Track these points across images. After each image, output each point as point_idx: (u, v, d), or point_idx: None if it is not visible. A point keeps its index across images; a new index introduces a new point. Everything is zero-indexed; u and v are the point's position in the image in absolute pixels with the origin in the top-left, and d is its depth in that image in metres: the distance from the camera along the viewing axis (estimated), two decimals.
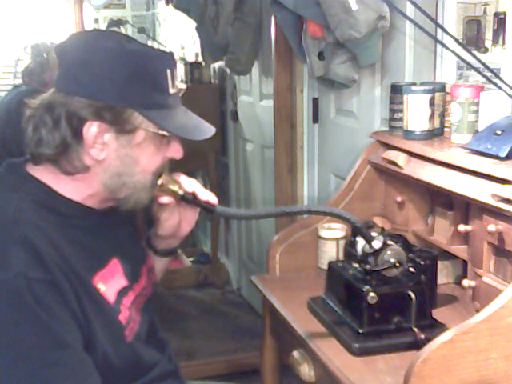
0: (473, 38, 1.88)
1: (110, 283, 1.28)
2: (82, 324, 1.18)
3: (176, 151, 1.30)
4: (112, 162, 1.23)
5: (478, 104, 1.69)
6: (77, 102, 1.19)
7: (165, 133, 1.24)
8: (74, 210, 1.26)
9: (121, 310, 1.28)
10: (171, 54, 1.29)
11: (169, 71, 1.24)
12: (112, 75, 1.19)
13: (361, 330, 1.47)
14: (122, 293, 1.31)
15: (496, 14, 1.79)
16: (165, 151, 1.28)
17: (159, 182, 1.32)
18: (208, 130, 1.31)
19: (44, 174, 1.25)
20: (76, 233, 1.25)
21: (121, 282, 1.32)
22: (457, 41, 1.81)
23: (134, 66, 1.20)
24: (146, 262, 1.46)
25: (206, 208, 1.39)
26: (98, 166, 1.23)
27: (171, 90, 1.25)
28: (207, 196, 1.39)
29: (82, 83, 1.20)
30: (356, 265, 1.56)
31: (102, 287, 1.25)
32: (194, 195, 1.38)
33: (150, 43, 4.95)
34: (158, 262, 1.53)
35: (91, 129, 1.19)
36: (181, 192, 1.36)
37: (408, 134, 1.83)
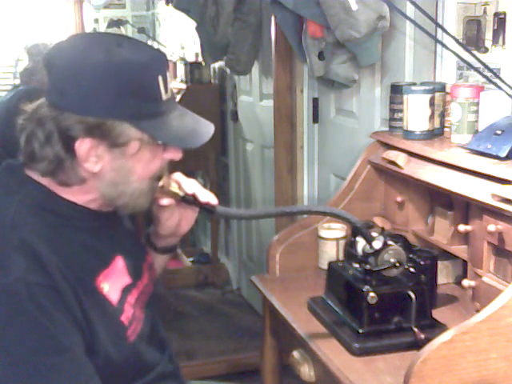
0: (473, 38, 1.88)
1: (114, 282, 1.28)
2: (83, 327, 1.18)
3: (174, 153, 1.28)
4: (107, 173, 1.22)
5: (478, 104, 1.69)
6: (67, 119, 1.17)
7: (159, 141, 1.23)
8: (74, 211, 1.25)
9: (124, 310, 1.28)
10: (162, 58, 1.25)
11: (160, 78, 1.20)
12: (100, 90, 1.16)
13: (361, 330, 1.47)
14: (126, 290, 1.30)
15: (496, 14, 1.79)
16: (162, 154, 1.27)
17: (160, 183, 1.31)
18: (206, 132, 1.28)
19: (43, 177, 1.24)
20: (77, 234, 1.24)
21: (125, 279, 1.32)
22: (457, 41, 1.81)
23: (123, 78, 1.17)
24: (146, 259, 1.46)
25: (206, 209, 1.39)
26: (93, 178, 1.22)
27: (164, 97, 1.22)
28: (207, 197, 1.38)
29: (70, 98, 1.17)
30: (356, 265, 1.56)
31: (105, 287, 1.25)
32: (194, 196, 1.37)
33: (149, 43, 4.95)
34: (158, 258, 1.52)
35: (83, 146, 1.18)
36: (181, 193, 1.36)
37: (408, 134, 1.83)
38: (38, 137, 1.20)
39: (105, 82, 1.16)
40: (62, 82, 1.19)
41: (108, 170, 1.22)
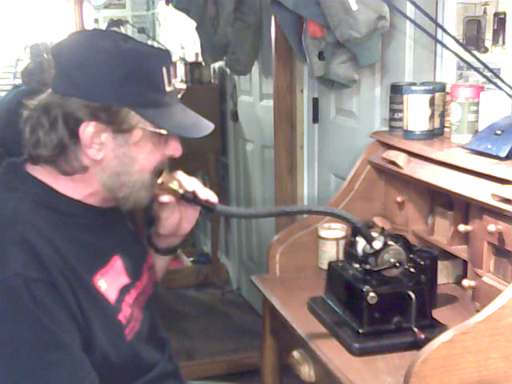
0: (473, 38, 1.88)
1: (111, 281, 1.28)
2: (80, 324, 1.18)
3: (175, 149, 1.30)
4: (110, 161, 1.23)
5: (477, 104, 1.69)
6: (73, 103, 1.19)
7: (162, 131, 1.24)
8: (75, 208, 1.26)
9: (122, 309, 1.28)
10: (167, 52, 1.29)
11: (165, 69, 1.24)
12: (108, 75, 1.19)
13: (361, 330, 1.47)
14: (124, 290, 1.31)
15: (496, 14, 1.79)
16: (163, 149, 1.28)
17: (159, 180, 1.32)
18: (206, 127, 1.31)
19: (43, 174, 1.25)
20: (77, 231, 1.25)
21: (123, 279, 1.32)
22: (457, 41, 1.81)
23: (130, 65, 1.20)
24: (146, 260, 1.46)
25: (206, 207, 1.39)
26: (96, 166, 1.23)
27: (167, 88, 1.25)
28: (207, 195, 1.39)
29: (78, 84, 1.20)
30: (356, 265, 1.56)
31: (103, 285, 1.25)
32: (194, 194, 1.38)
33: (150, 43, 4.95)
34: (159, 260, 1.53)
35: (88, 129, 1.19)
36: (181, 191, 1.36)
37: (408, 134, 1.83)
38: (43, 124, 1.21)
39: (111, 68, 1.19)
40: (70, 68, 1.21)
41: (110, 159, 1.23)
